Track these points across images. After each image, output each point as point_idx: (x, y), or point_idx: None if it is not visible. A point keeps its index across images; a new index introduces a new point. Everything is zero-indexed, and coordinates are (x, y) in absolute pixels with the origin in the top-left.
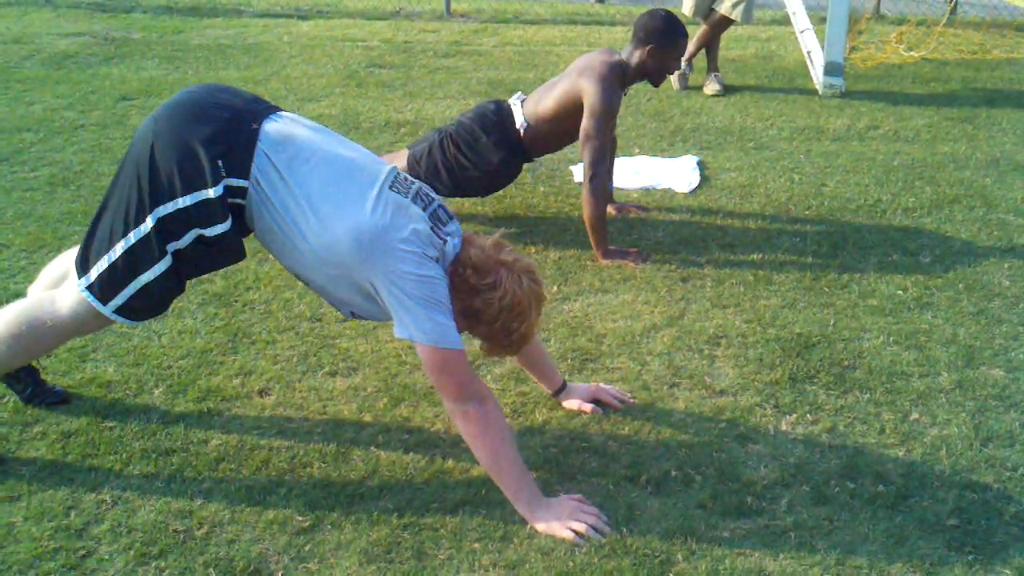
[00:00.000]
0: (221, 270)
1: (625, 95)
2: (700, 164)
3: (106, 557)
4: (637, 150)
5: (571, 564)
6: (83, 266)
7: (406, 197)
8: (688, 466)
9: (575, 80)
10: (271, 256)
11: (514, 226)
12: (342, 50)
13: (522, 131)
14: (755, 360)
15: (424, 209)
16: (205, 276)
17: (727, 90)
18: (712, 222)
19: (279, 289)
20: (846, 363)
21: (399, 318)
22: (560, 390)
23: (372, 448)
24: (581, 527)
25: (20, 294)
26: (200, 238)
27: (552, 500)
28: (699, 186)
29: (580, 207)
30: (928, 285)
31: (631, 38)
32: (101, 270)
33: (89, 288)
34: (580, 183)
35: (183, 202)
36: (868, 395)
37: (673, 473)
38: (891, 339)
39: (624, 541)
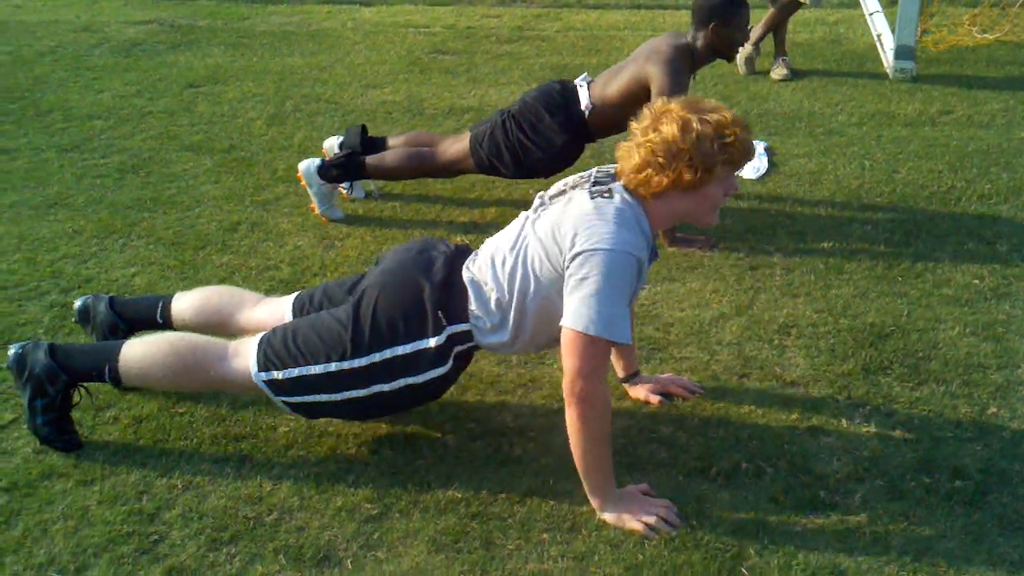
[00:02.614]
0: (288, 257)
1: (695, 79)
2: (768, 150)
3: (178, 542)
4: None
5: (640, 557)
6: (265, 362)
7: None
8: (759, 458)
9: (642, 64)
10: (337, 243)
11: None
12: (405, 36)
13: (587, 113)
14: (827, 351)
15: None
16: (272, 262)
17: (795, 74)
18: (781, 209)
19: (344, 276)
20: (921, 354)
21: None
22: (632, 376)
23: (439, 436)
24: (651, 519)
25: (91, 279)
26: (409, 386)
27: (621, 491)
28: (767, 173)
29: None
30: (1005, 274)
31: (692, 19)
32: (289, 376)
33: (268, 383)
34: None
35: (401, 350)
36: (944, 387)
37: (744, 465)
38: (967, 330)
39: (694, 534)
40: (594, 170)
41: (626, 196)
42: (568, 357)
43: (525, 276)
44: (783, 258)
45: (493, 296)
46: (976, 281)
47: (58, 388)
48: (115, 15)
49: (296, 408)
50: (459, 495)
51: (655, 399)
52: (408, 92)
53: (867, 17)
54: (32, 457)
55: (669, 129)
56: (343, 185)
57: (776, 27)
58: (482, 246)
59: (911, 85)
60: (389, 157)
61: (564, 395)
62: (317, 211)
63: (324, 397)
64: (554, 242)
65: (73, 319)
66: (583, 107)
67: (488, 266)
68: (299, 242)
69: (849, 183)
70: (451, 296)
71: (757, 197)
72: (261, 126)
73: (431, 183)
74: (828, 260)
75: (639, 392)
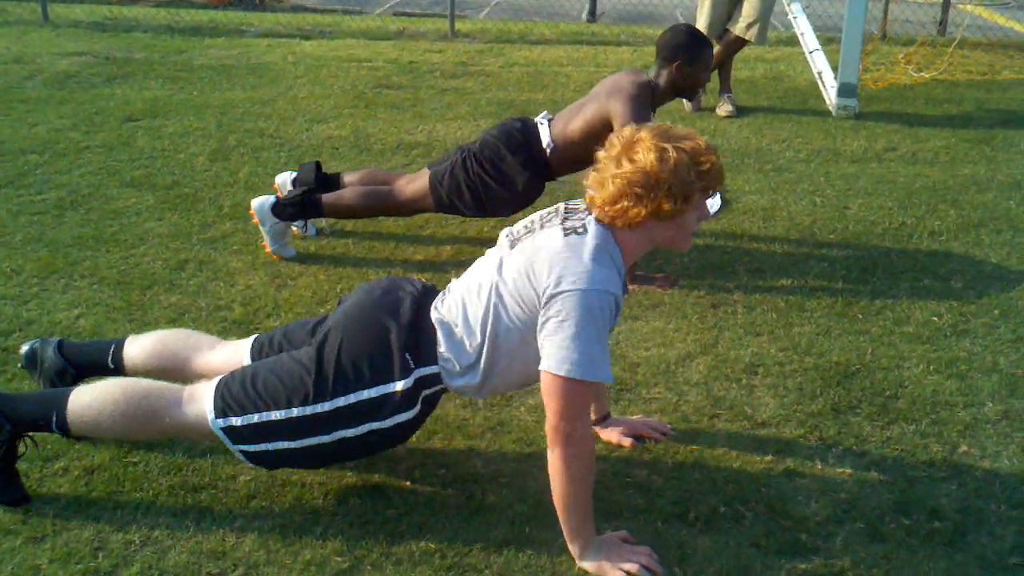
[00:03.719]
0: (239, 297)
1: (654, 115)
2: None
3: None
4: None
5: None
6: (223, 408)
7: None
8: (737, 502)
9: (604, 101)
10: (290, 282)
11: None
12: (348, 71)
13: (548, 151)
14: (795, 390)
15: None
16: (223, 302)
17: (740, 111)
18: (737, 246)
19: (300, 316)
20: (888, 393)
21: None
22: (603, 419)
23: (408, 483)
24: (633, 567)
25: (33, 321)
26: (374, 431)
27: (600, 539)
28: (720, 209)
29: None
30: (963, 311)
31: (656, 57)
32: (248, 422)
33: (226, 430)
34: None
35: (367, 393)
36: (914, 426)
37: (722, 509)
38: (931, 367)
39: None
40: (562, 205)
41: (599, 230)
42: (550, 401)
43: (497, 317)
44: (743, 296)
45: (464, 338)
46: (935, 318)
47: (2, 438)
48: (47, 47)
49: (254, 458)
50: (433, 546)
51: (627, 442)
52: (354, 127)
53: (807, 55)
54: None
55: (646, 158)
56: (296, 223)
57: (721, 64)
58: (450, 285)
59: (854, 122)
60: (346, 196)
61: (548, 437)
62: (269, 249)
63: (285, 444)
64: (528, 282)
65: (19, 364)
66: (545, 145)
67: (459, 307)
68: (250, 281)
69: (802, 220)
70: (419, 338)
71: (712, 234)
72: (204, 161)
73: (384, 220)
74: (788, 298)
75: (611, 435)
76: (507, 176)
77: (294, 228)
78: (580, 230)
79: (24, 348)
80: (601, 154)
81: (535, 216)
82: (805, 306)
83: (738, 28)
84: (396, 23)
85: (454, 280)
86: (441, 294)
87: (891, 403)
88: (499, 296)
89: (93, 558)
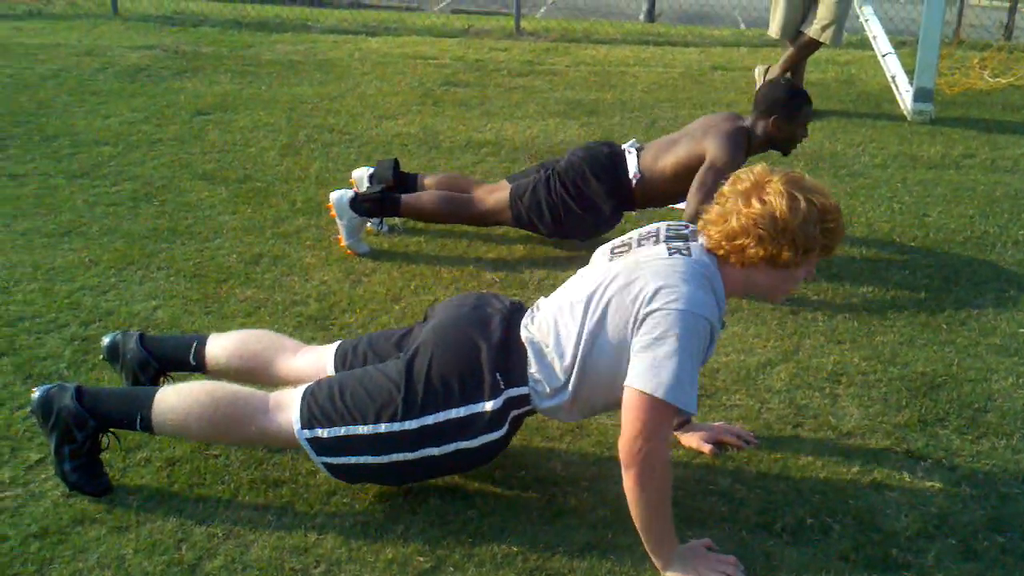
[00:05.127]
0: (314, 292)
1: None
2: None
3: None
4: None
5: None
6: (310, 419)
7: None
8: (824, 513)
9: (699, 140)
10: (364, 278)
11: None
12: (414, 67)
13: (634, 181)
14: (880, 400)
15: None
16: (298, 297)
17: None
18: None
19: (375, 313)
20: (976, 405)
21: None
22: (683, 423)
23: (489, 484)
24: None
25: (112, 312)
26: (461, 450)
27: (684, 548)
28: None
29: None
30: None
31: (753, 108)
32: (334, 435)
33: (311, 441)
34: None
35: (455, 413)
36: (1005, 441)
37: (809, 521)
38: (1021, 380)
39: None
40: (663, 224)
41: (703, 257)
42: (630, 418)
43: (591, 335)
44: (823, 302)
45: (555, 358)
46: (1022, 330)
47: (86, 434)
48: (117, 40)
49: (336, 470)
50: (515, 549)
51: (707, 448)
52: (423, 124)
53: (880, 59)
54: (62, 501)
55: (777, 203)
56: (372, 220)
57: (795, 66)
58: (538, 303)
59: (930, 127)
60: (425, 199)
61: (621, 456)
62: (344, 243)
63: (369, 459)
64: (624, 298)
65: (101, 356)
66: (631, 175)
67: (550, 326)
68: (324, 277)
69: (880, 226)
70: (509, 358)
71: None
72: (275, 156)
73: None
74: (869, 305)
75: (691, 440)
76: (590, 200)
77: (368, 225)
78: (685, 251)
79: (105, 340)
80: (727, 188)
81: (633, 234)
82: (887, 315)
83: (812, 30)
84: (460, 20)
85: (542, 298)
86: (529, 312)
87: (980, 416)
88: (593, 313)
89: (177, 550)
